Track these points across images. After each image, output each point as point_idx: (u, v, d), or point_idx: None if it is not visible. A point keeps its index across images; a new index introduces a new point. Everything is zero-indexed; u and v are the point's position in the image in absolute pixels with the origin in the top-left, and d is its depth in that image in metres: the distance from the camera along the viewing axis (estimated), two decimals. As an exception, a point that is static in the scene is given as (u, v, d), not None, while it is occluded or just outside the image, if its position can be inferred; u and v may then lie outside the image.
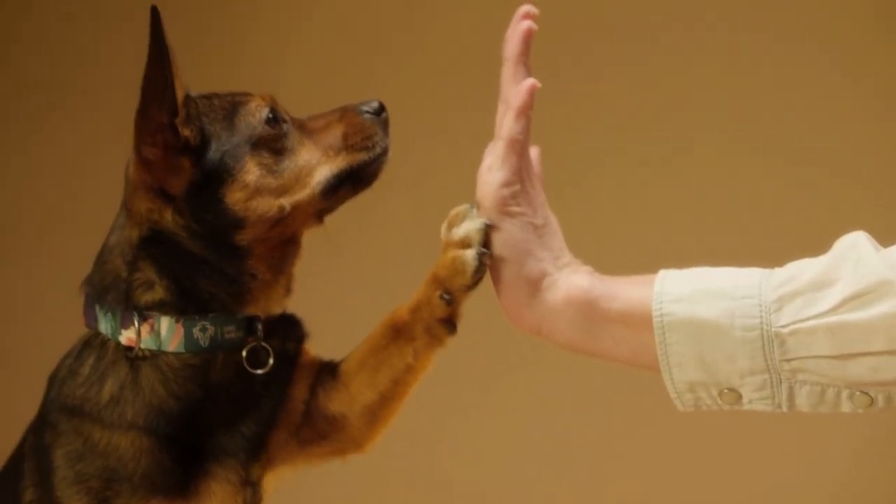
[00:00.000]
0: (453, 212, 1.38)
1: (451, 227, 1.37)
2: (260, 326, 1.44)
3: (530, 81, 1.29)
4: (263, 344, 1.43)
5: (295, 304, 1.49)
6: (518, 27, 1.31)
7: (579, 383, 2.66)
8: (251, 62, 2.80)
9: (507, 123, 1.30)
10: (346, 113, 1.48)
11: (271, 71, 2.77)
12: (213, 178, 1.39)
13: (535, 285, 1.28)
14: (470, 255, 1.33)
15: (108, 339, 1.41)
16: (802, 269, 1.19)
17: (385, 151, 1.48)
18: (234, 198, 1.39)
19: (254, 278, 1.42)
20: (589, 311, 1.25)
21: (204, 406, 1.41)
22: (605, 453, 2.76)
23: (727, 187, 2.71)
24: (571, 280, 1.27)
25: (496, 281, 1.32)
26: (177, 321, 1.39)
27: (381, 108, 1.49)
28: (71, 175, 2.99)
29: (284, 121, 1.45)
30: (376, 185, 1.48)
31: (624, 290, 1.25)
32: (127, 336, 1.39)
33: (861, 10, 2.64)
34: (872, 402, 1.18)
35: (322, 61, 2.89)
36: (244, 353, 1.42)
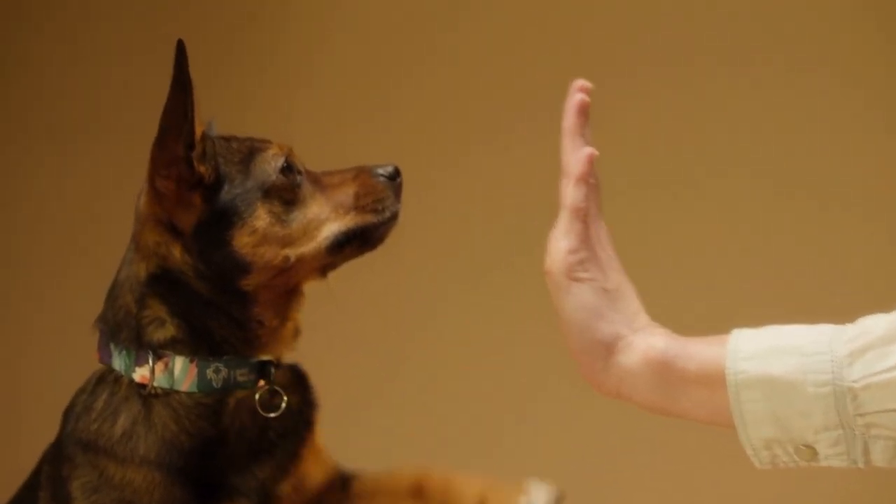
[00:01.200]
0: (526, 484, 1.42)
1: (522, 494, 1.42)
2: (273, 370, 1.45)
3: (587, 150, 1.31)
4: (277, 389, 1.44)
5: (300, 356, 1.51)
6: (572, 100, 1.34)
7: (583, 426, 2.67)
8: (260, 106, 2.82)
9: (568, 192, 1.32)
10: (360, 173, 1.50)
11: (280, 114, 2.77)
12: (223, 220, 1.41)
13: (609, 348, 1.28)
14: None
15: (122, 376, 1.42)
16: (875, 323, 1.18)
17: (395, 216, 1.49)
18: (242, 241, 1.40)
19: (261, 325, 1.43)
20: (666, 373, 1.25)
21: (216, 446, 1.42)
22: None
23: (748, 222, 2.69)
24: (647, 341, 1.27)
25: (571, 348, 1.32)
26: (191, 361, 1.40)
27: (397, 173, 1.51)
28: (83, 208, 3.01)
29: (299, 172, 1.46)
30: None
31: (699, 350, 1.25)
32: (140, 374, 1.40)
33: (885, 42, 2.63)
34: None
35: (331, 107, 2.89)
36: (257, 397, 1.43)
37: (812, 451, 1.19)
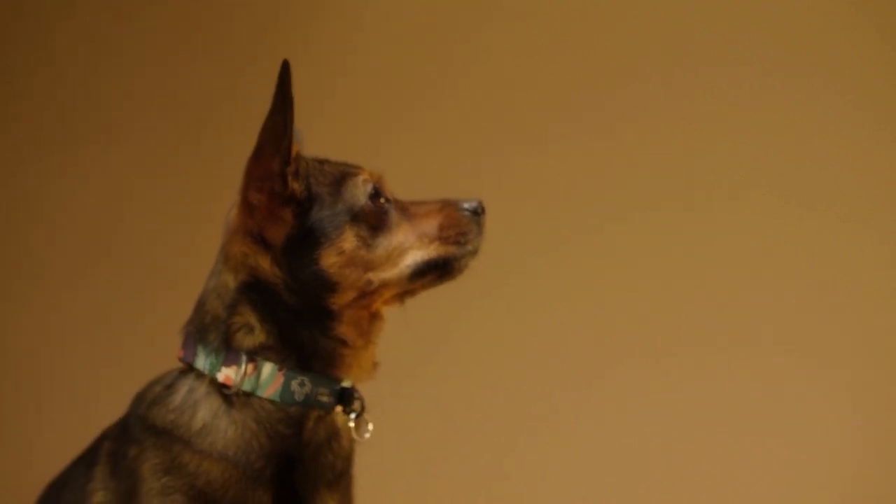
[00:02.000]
0: None
1: None
2: (357, 396, 1.49)
3: None
4: (363, 415, 1.49)
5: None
6: None
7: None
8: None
9: None
10: (446, 205, 1.54)
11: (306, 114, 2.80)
12: (311, 238, 1.45)
13: None
14: None
15: (204, 374, 1.46)
16: None
17: (476, 251, 1.53)
18: (329, 262, 1.44)
19: (344, 344, 1.47)
20: None
21: (292, 462, 1.45)
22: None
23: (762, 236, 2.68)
24: None
25: None
26: (279, 370, 1.44)
27: (481, 209, 1.54)
28: (100, 210, 3.01)
29: (387, 200, 1.50)
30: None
31: None
32: (226, 374, 1.45)
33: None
34: None
35: (358, 108, 2.89)
36: (352, 424, 1.48)
37: None
